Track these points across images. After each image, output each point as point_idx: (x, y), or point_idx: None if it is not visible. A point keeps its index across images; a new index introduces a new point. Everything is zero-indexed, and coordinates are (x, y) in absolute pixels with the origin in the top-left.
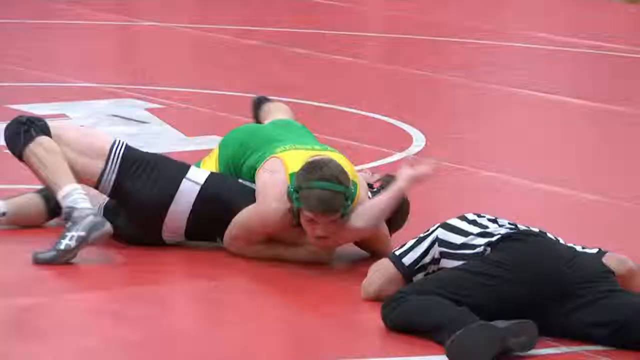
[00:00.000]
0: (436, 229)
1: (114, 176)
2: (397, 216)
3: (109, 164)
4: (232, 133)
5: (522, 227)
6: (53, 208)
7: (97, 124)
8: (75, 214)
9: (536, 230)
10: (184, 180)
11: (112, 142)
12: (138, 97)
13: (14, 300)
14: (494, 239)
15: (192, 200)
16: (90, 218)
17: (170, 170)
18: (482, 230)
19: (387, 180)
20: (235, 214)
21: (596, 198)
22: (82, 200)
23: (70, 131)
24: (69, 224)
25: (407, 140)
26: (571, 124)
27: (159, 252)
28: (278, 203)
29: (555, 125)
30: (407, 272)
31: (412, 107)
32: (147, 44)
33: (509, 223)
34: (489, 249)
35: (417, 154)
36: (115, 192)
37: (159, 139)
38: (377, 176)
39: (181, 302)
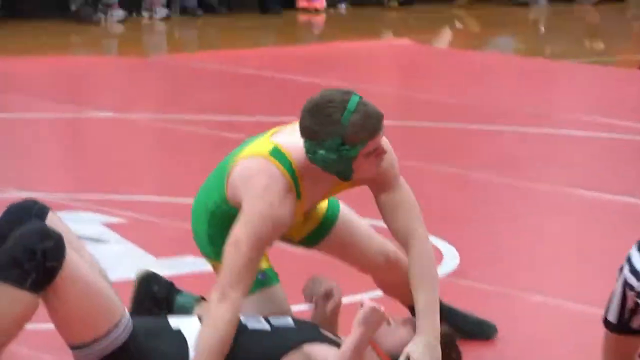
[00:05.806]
0: (621, 273)
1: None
2: None
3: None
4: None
5: None
6: None
7: None
8: None
9: None
10: None
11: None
12: (93, 209)
13: None
14: None
15: None
16: None
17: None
18: None
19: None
20: None
21: None
22: None
23: None
24: None
25: (437, 257)
26: None
27: None
28: (280, 208)
29: (624, 234)
30: (619, 328)
31: (441, 214)
32: (101, 140)
33: None
34: None
35: (450, 274)
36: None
37: (121, 262)
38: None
39: None
